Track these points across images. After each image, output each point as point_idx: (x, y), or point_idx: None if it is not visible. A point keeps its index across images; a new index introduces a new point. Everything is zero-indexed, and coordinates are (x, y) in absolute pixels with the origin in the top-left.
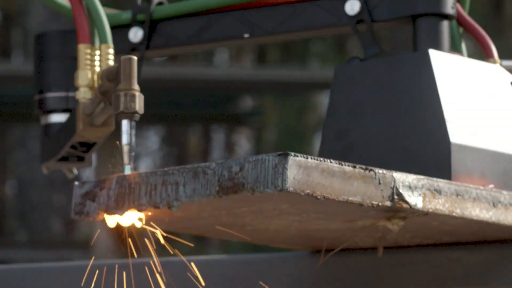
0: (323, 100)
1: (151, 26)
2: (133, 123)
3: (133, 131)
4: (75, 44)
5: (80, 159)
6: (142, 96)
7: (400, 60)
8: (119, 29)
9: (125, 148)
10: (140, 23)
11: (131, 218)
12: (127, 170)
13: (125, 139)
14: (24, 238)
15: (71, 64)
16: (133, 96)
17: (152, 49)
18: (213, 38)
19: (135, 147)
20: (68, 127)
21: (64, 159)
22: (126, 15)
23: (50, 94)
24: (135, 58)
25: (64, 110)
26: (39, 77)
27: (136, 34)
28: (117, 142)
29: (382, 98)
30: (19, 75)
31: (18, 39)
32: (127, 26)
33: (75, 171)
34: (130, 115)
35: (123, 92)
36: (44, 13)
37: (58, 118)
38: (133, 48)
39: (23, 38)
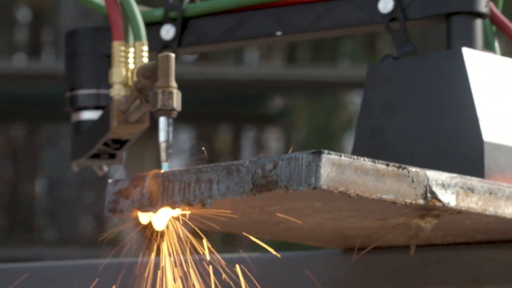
0: (354, 99)
1: (183, 23)
2: (171, 120)
3: (171, 129)
4: (106, 41)
5: (112, 156)
6: (179, 93)
7: (434, 59)
8: (151, 27)
9: (163, 146)
10: (172, 21)
11: (165, 216)
12: (165, 167)
13: (162, 136)
14: (53, 236)
15: (102, 61)
16: (171, 93)
17: (184, 47)
18: (245, 36)
19: (172, 144)
20: (100, 124)
21: (95, 156)
22: (158, 13)
23: (81, 91)
24: (173, 55)
25: (95, 107)
26: (69, 75)
27: (168, 32)
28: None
29: (415, 97)
30: (49, 74)
31: (48, 37)
32: (159, 24)
33: (106, 168)
34: (167, 112)
35: (160, 89)
36: (74, 11)
37: (89, 115)
38: (165, 45)
39: (54, 36)
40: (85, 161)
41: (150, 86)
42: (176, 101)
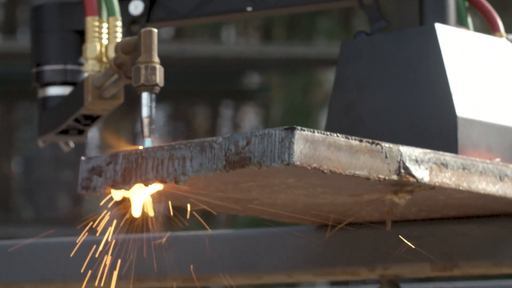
0: (329, 76)
1: None
2: (153, 95)
3: (153, 104)
4: (73, 17)
5: (80, 132)
6: (162, 69)
7: (407, 34)
8: (120, 2)
9: (145, 121)
10: None
11: (138, 193)
12: (148, 143)
13: (145, 111)
14: (30, 215)
15: (69, 37)
16: (154, 68)
17: (152, 22)
18: (215, 11)
19: (155, 120)
20: (72, 100)
21: (64, 132)
22: None
23: (48, 67)
24: (155, 30)
25: (62, 83)
26: (37, 50)
27: (136, 7)
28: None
29: (388, 72)
30: (24, 53)
31: (23, 16)
32: None
33: (72, 144)
34: (150, 87)
35: (143, 64)
36: None
37: (56, 91)
38: (133, 20)
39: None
40: (52, 136)
41: (130, 61)
42: (159, 77)
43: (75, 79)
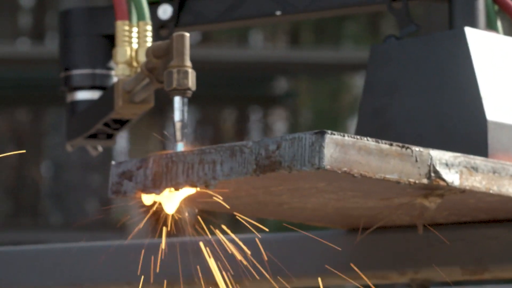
0: (357, 81)
1: (181, 3)
2: (185, 99)
3: (185, 108)
4: (101, 21)
5: (109, 136)
6: (194, 73)
7: (436, 38)
8: (148, 6)
9: (178, 125)
10: (169, 1)
11: (169, 197)
12: (180, 147)
13: (178, 115)
14: (59, 220)
15: (98, 41)
16: (186, 72)
17: (181, 27)
18: (244, 16)
19: (187, 124)
20: (101, 104)
21: (92, 136)
22: None
23: (77, 71)
24: (187, 34)
25: (90, 87)
26: (65, 55)
27: (165, 11)
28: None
29: (418, 77)
30: (53, 58)
31: (51, 21)
32: (156, 3)
33: (100, 148)
34: (182, 91)
35: (176, 68)
36: None
37: (85, 95)
38: (162, 25)
39: (57, 20)
40: (80, 141)
41: (162, 65)
42: (191, 81)
43: (104, 83)
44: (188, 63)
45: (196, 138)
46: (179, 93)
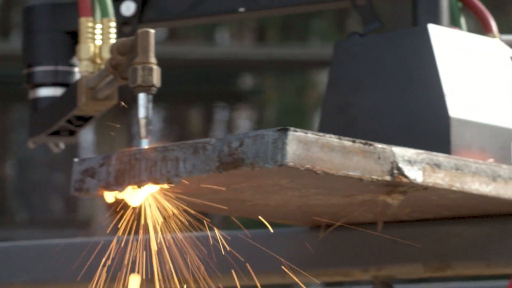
0: (323, 78)
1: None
2: (150, 96)
3: (150, 105)
4: (64, 18)
5: (71, 133)
6: (159, 70)
7: (400, 35)
8: (112, 3)
9: (142, 122)
10: None
11: (131, 195)
12: (144, 144)
13: (142, 112)
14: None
15: (61, 37)
16: (151, 69)
17: (144, 23)
18: (208, 12)
19: (152, 120)
20: (64, 101)
21: (55, 133)
22: None
23: (39, 68)
24: (152, 31)
25: (53, 84)
26: (28, 51)
27: (128, 8)
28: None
29: (382, 73)
30: (18, 55)
31: (17, 18)
32: (119, 0)
33: (62, 145)
34: (147, 88)
35: (140, 65)
36: None
37: (47, 92)
38: (125, 22)
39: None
40: (43, 137)
41: (126, 62)
42: (156, 77)
43: (66, 80)
44: (153, 59)
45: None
46: (143, 90)
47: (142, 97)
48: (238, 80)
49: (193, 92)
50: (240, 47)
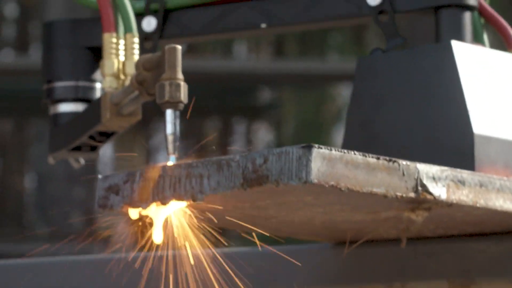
0: (342, 92)
1: (165, 15)
2: (177, 112)
3: (177, 121)
4: (85, 33)
5: (93, 149)
6: (186, 86)
7: (423, 51)
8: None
9: (170, 138)
10: (153, 12)
11: (156, 212)
12: (172, 160)
13: (169, 128)
14: (44, 232)
15: (81, 53)
16: (178, 85)
17: (165, 39)
18: (229, 28)
19: (179, 137)
20: (87, 117)
21: (76, 149)
22: (139, 4)
23: (60, 84)
24: (179, 47)
25: (73, 100)
26: (48, 67)
27: (149, 24)
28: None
29: (405, 90)
30: (37, 69)
31: (36, 32)
32: (141, 15)
33: (82, 161)
34: (174, 104)
35: (168, 81)
36: (62, 5)
37: (68, 107)
38: (146, 37)
39: (41, 31)
40: (63, 153)
41: (152, 78)
42: (183, 94)
43: (87, 95)
44: (180, 75)
45: (180, 149)
46: (171, 106)
47: (169, 113)
48: (256, 94)
49: (211, 106)
50: (258, 61)
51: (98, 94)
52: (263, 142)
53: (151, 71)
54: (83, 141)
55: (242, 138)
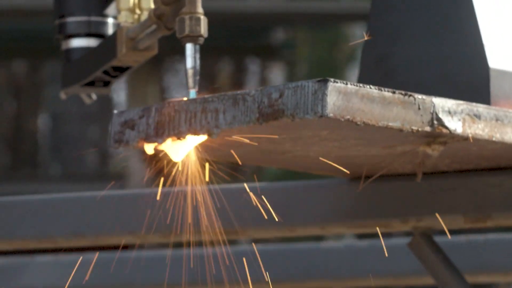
0: (356, 31)
1: None
2: (197, 46)
3: (197, 55)
4: None
5: (106, 84)
6: (206, 20)
7: None
8: None
9: (190, 72)
10: None
11: (171, 146)
12: (192, 94)
13: (190, 62)
14: (58, 172)
15: None
16: (198, 19)
17: None
18: None
19: (199, 71)
20: (102, 51)
21: (89, 84)
22: None
23: (72, 19)
24: None
25: (86, 35)
26: (60, 2)
27: None
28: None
29: (420, 24)
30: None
31: None
32: None
33: (94, 96)
34: (195, 38)
35: (188, 15)
36: None
37: (81, 42)
38: None
39: None
40: (75, 88)
41: (171, 12)
42: (204, 28)
43: (100, 30)
44: (200, 9)
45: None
46: (191, 40)
47: (189, 47)
48: (270, 34)
49: (225, 47)
50: (272, 1)
51: (110, 29)
52: (277, 82)
53: (170, 5)
54: (97, 75)
55: (256, 78)
